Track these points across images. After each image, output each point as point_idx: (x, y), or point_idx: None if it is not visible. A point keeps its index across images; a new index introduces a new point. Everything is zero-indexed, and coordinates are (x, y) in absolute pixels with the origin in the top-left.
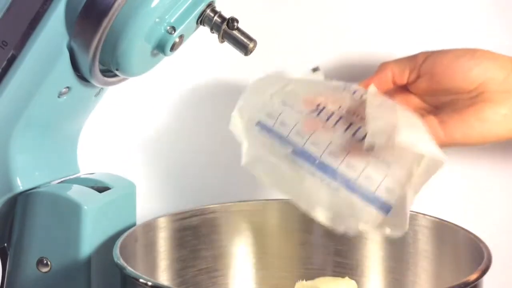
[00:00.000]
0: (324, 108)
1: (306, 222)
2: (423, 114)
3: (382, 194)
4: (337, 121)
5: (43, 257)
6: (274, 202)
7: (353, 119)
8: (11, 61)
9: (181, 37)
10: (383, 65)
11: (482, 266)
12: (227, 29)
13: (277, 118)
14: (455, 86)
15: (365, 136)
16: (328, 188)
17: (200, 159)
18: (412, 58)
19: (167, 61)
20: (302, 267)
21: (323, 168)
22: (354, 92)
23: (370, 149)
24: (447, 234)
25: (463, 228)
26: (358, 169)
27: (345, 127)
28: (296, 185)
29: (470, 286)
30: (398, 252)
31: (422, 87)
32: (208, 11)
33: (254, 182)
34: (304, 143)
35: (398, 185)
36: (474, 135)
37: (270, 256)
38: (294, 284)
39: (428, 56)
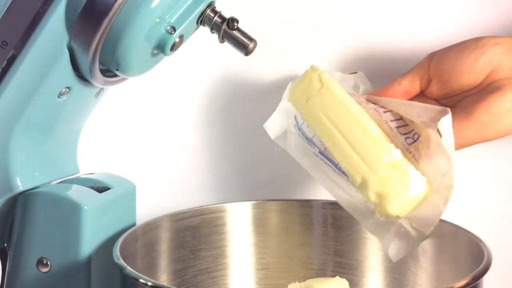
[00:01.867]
0: None
1: (306, 222)
2: None
3: None
4: None
5: (43, 257)
6: (274, 202)
7: None
8: (11, 61)
9: (181, 37)
10: (391, 82)
11: (482, 266)
12: (227, 29)
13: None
14: (463, 81)
15: None
16: (348, 188)
17: (200, 159)
18: (419, 65)
19: (167, 61)
20: (302, 267)
21: (342, 172)
22: (380, 107)
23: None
24: (447, 234)
25: (463, 228)
26: None
27: None
28: (322, 173)
29: (470, 286)
30: None
31: (435, 91)
32: (208, 11)
33: (254, 182)
34: (325, 149)
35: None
36: (486, 131)
37: (270, 256)
38: None
39: (433, 57)
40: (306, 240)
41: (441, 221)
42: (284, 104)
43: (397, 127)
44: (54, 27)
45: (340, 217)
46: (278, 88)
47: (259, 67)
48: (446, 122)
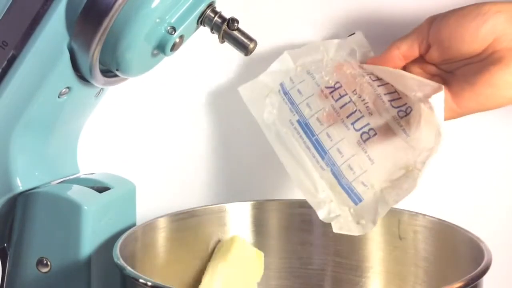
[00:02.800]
0: (340, 87)
1: (306, 222)
2: (437, 82)
3: (357, 186)
4: (346, 104)
5: (43, 257)
6: (274, 202)
7: (360, 106)
8: (11, 61)
9: (181, 37)
10: (390, 45)
11: (482, 266)
12: (227, 29)
13: (297, 85)
14: (464, 49)
15: (361, 128)
16: (317, 164)
17: (200, 159)
18: (418, 30)
19: (168, 61)
20: (302, 267)
21: (318, 145)
22: (374, 80)
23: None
24: (447, 234)
25: (463, 228)
26: (345, 156)
27: (349, 113)
28: (288, 148)
29: (470, 286)
30: (398, 252)
31: (435, 56)
32: (208, 11)
33: (254, 182)
34: (310, 117)
35: (373, 184)
36: (488, 103)
37: (270, 256)
38: (294, 284)
39: (433, 21)
40: (306, 240)
41: (441, 221)
42: (273, 70)
43: (390, 101)
44: (54, 27)
45: None
46: None
47: (260, 67)
48: (438, 98)
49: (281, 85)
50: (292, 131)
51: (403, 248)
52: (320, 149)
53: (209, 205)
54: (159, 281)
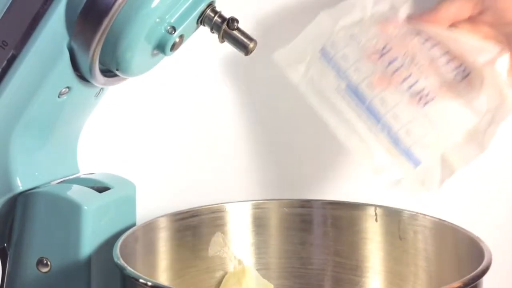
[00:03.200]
0: (389, 51)
1: (306, 222)
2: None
3: (416, 149)
4: (398, 68)
5: (43, 257)
6: (274, 202)
7: (414, 70)
8: (11, 61)
9: (181, 37)
10: (438, 6)
11: (482, 266)
12: (227, 29)
13: (341, 50)
14: None
15: (418, 92)
16: (370, 130)
17: (200, 159)
18: None
19: (168, 61)
20: (302, 267)
21: (371, 111)
22: (425, 41)
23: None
24: (447, 234)
25: (463, 228)
26: (402, 121)
27: (404, 77)
28: (339, 116)
29: (470, 286)
30: (398, 252)
31: (488, 20)
32: (208, 11)
33: (254, 182)
34: (360, 82)
35: (434, 148)
36: None
37: (270, 256)
38: (294, 284)
39: None
40: (306, 240)
41: (441, 221)
42: (310, 33)
43: (446, 63)
44: (54, 27)
45: (340, 217)
46: (280, 89)
47: (260, 67)
48: (502, 62)
49: (322, 50)
50: (340, 99)
51: (403, 248)
52: (372, 115)
53: (209, 205)
54: (159, 281)
